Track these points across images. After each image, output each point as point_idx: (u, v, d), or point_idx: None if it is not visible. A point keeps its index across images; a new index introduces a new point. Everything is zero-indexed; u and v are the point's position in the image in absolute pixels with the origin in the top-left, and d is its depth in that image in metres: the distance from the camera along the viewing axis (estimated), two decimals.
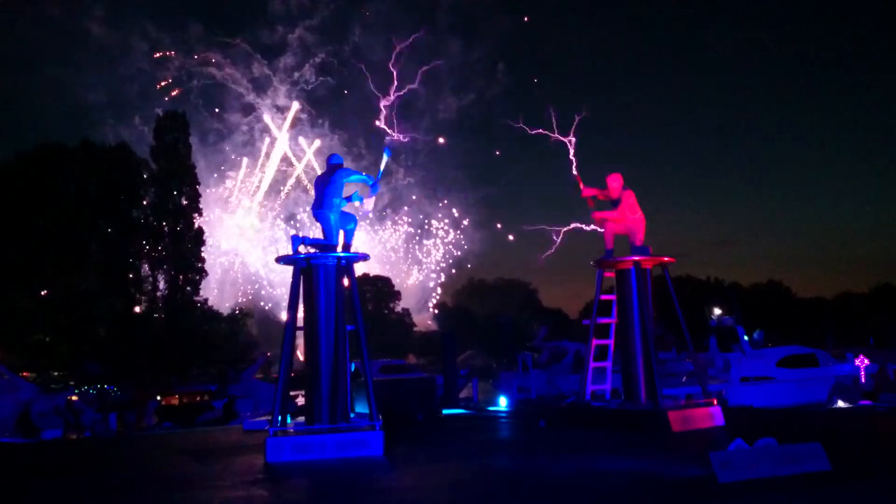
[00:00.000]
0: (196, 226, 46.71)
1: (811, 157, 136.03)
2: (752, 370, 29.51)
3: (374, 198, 14.49)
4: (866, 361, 29.23)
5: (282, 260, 13.66)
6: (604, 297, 16.25)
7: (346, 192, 13.89)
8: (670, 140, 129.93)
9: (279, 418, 12.65)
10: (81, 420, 23.80)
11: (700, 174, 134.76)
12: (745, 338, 31.89)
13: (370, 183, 14.05)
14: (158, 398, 32.32)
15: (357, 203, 14.07)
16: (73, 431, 22.08)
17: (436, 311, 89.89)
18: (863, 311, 68.07)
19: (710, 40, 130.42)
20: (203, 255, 47.15)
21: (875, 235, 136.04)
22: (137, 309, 44.06)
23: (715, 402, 15.14)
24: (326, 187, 13.51)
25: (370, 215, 15.35)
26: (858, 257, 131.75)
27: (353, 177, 13.82)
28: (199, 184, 47.82)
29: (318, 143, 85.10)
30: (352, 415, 13.64)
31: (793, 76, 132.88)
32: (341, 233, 13.72)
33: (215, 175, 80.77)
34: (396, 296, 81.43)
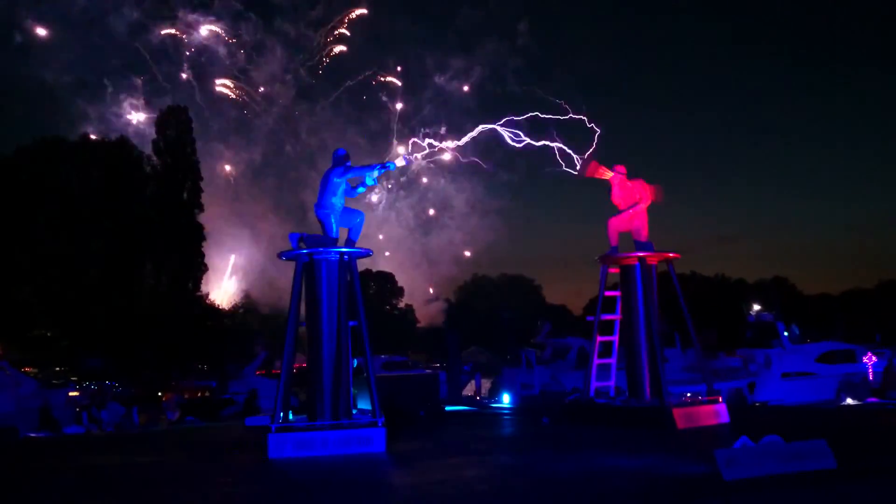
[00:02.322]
0: (198, 221, 46.64)
1: (817, 152, 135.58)
2: (792, 366, 29.54)
3: (396, 161, 14.21)
4: (874, 358, 29.16)
5: (284, 255, 13.57)
6: (608, 293, 16.15)
7: (354, 181, 13.73)
8: (676, 135, 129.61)
9: (281, 414, 12.56)
10: (102, 415, 23.84)
11: (705, 170, 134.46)
12: (785, 333, 31.83)
13: (373, 173, 13.67)
14: (186, 395, 32.32)
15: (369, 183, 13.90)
16: (96, 427, 22.08)
17: (444, 303, 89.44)
18: (870, 307, 67.91)
19: (718, 37, 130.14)
20: (204, 250, 47.07)
21: (881, 231, 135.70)
22: (139, 304, 43.98)
23: (720, 400, 15.04)
24: (326, 187, 13.37)
25: (412, 159, 14.79)
26: (865, 253, 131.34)
27: (351, 173, 13.51)
28: (201, 179, 47.69)
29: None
30: (354, 411, 13.57)
31: (799, 72, 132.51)
32: (344, 229, 13.59)
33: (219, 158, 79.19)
34: (400, 292, 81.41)
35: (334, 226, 13.38)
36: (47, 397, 24.49)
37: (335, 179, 13.38)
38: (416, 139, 15.49)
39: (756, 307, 41.31)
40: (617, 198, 15.74)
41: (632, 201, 15.57)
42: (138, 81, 59.40)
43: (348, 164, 13.61)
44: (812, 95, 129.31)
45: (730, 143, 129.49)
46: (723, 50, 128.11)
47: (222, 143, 75.21)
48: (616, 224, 15.79)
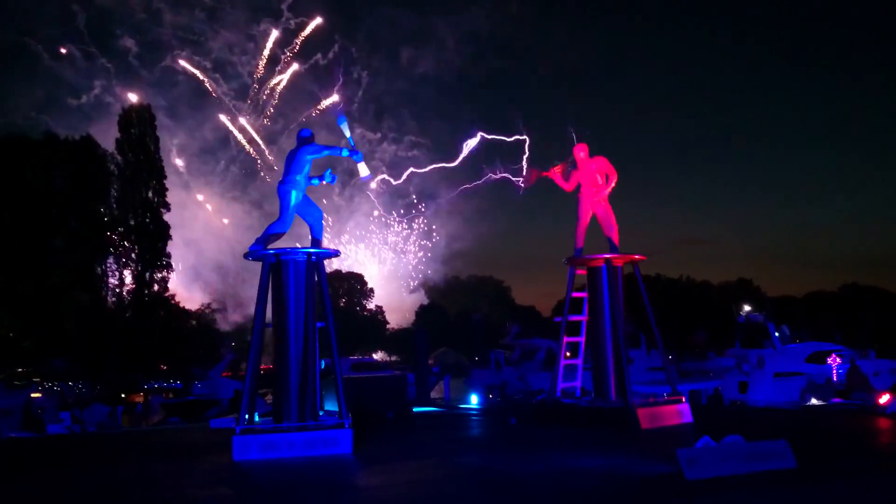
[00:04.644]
0: (163, 220, 46.11)
1: (779, 156, 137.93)
2: (784, 366, 29.97)
3: (364, 164, 14.07)
4: (838, 360, 29.69)
5: (251, 255, 13.43)
6: (575, 294, 16.25)
7: (318, 171, 13.65)
8: (640, 139, 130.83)
9: (247, 416, 12.46)
10: (84, 415, 23.58)
11: (669, 173, 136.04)
12: (776, 334, 32.29)
13: (344, 154, 13.61)
14: (170, 395, 32.07)
15: (327, 182, 13.82)
16: (79, 427, 21.83)
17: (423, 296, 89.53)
18: (832, 309, 69.17)
19: (689, 40, 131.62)
20: (170, 250, 46.55)
21: (843, 235, 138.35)
22: (104, 305, 43.40)
23: (683, 400, 15.21)
24: (291, 163, 13.25)
25: (372, 184, 14.54)
26: (827, 257, 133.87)
27: (324, 152, 13.44)
28: (165, 178, 47.16)
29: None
30: (321, 413, 13.49)
31: (765, 77, 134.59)
32: (303, 222, 13.50)
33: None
34: (369, 293, 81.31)
35: (293, 205, 13.22)
36: (30, 398, 24.29)
37: (306, 157, 13.23)
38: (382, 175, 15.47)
39: (746, 308, 41.94)
40: (585, 180, 15.74)
41: (594, 178, 15.61)
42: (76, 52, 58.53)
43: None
44: (777, 100, 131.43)
45: (695, 146, 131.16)
46: (693, 52, 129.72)
47: (171, 118, 71.94)
48: (585, 219, 15.76)
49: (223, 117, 78.36)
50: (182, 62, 75.01)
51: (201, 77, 76.15)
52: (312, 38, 78.94)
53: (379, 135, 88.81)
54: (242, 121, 79.22)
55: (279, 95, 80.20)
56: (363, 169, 14.10)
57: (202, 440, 15.05)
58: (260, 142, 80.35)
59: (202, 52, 77.91)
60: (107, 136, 47.43)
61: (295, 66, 79.62)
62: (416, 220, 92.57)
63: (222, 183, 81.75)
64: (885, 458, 11.53)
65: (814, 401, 26.03)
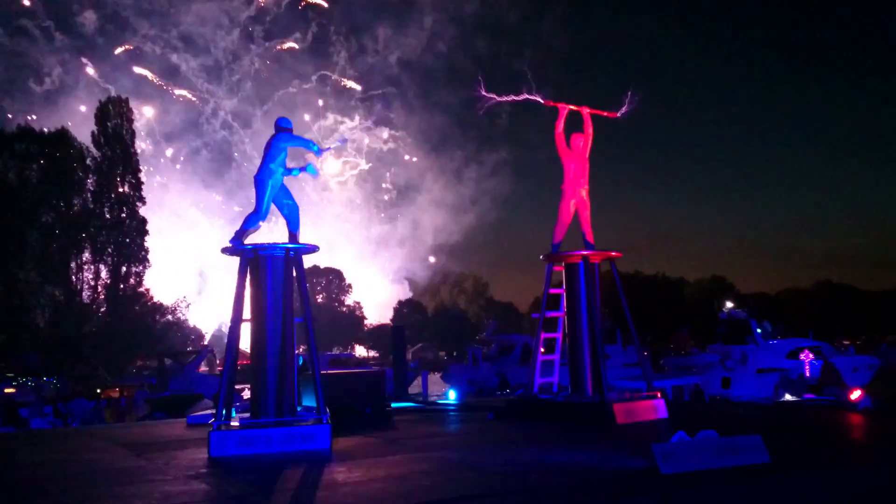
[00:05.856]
0: (139, 214, 45.75)
1: (753, 153, 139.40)
2: (766, 362, 30.35)
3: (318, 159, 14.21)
4: (811, 356, 30.13)
5: (228, 251, 13.35)
6: (553, 290, 16.36)
7: (297, 163, 13.64)
8: (613, 134, 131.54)
9: (224, 412, 12.42)
10: (68, 409, 23.39)
11: (644, 170, 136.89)
12: (758, 330, 32.68)
13: (314, 149, 13.72)
14: (147, 389, 31.84)
15: (310, 174, 13.92)
16: (62, 422, 21.63)
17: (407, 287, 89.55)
18: (805, 305, 70.11)
19: (662, 33, 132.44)
20: (147, 244, 46.18)
21: (817, 232, 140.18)
22: (79, 300, 42.96)
23: (659, 395, 15.36)
24: (266, 152, 13.20)
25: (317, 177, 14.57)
26: (801, 254, 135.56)
27: (294, 142, 13.47)
28: (140, 171, 46.73)
29: None
30: (299, 408, 13.48)
31: (737, 70, 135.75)
32: (280, 214, 13.49)
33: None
34: (348, 288, 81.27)
35: (268, 196, 13.16)
36: (5, 394, 24.10)
37: (280, 145, 13.19)
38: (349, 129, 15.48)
39: (729, 304, 42.57)
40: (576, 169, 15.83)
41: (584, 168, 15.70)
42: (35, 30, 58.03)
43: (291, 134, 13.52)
44: (752, 97, 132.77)
45: (670, 140, 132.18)
46: (666, 46, 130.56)
47: (138, 98, 70.25)
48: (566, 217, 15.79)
49: (139, 69, 76.59)
50: (128, 46, 73.68)
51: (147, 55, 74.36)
52: (284, 15, 78.32)
53: (358, 121, 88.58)
54: (179, 91, 77.96)
55: (254, 74, 79.59)
56: (332, 144, 14.22)
57: (180, 435, 14.98)
58: (192, 98, 78.77)
59: (171, 23, 76.81)
60: (73, 120, 46.97)
61: (293, 43, 79.20)
62: (399, 213, 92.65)
63: (193, 169, 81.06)
64: (856, 452, 11.75)
65: (787, 396, 26.43)
